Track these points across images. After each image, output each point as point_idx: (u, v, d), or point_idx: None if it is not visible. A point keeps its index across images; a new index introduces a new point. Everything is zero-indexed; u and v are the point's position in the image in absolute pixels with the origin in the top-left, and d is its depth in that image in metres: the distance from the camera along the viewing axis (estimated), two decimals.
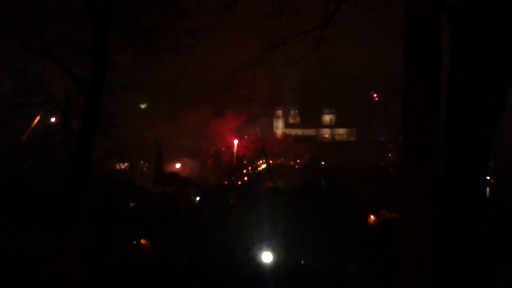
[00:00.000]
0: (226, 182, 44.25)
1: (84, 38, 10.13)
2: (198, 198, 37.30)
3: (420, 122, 4.55)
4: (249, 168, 47.50)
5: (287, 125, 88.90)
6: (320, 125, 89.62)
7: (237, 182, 45.29)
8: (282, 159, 58.91)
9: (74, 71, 9.91)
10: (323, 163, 59.85)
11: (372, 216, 31.00)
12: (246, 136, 53.61)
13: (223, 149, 54.10)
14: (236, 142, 52.82)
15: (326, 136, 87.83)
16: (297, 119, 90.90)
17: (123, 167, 52.24)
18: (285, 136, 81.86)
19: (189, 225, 21.68)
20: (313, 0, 6.63)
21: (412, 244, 4.74)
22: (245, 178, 46.36)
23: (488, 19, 4.85)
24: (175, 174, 49.73)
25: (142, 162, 56.58)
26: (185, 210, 30.75)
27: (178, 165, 55.33)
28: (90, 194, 10.98)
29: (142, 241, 20.56)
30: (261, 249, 13.21)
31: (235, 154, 49.78)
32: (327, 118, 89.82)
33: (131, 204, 30.08)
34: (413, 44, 4.55)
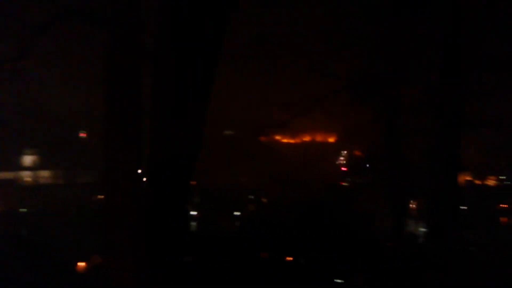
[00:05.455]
0: None
1: None
2: None
3: (121, 164, 4.60)
4: None
5: None
6: (20, 167, 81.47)
7: None
8: None
9: None
10: (25, 210, 54.21)
11: (83, 263, 29.38)
12: None
13: None
14: None
15: (29, 179, 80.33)
16: None
17: None
18: None
19: None
20: (8, 30, 6.03)
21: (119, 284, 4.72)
22: None
23: (184, 65, 5.19)
24: None
25: None
26: None
27: None
28: None
29: None
30: None
31: None
32: (28, 159, 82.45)
33: None
34: (113, 89, 4.59)
